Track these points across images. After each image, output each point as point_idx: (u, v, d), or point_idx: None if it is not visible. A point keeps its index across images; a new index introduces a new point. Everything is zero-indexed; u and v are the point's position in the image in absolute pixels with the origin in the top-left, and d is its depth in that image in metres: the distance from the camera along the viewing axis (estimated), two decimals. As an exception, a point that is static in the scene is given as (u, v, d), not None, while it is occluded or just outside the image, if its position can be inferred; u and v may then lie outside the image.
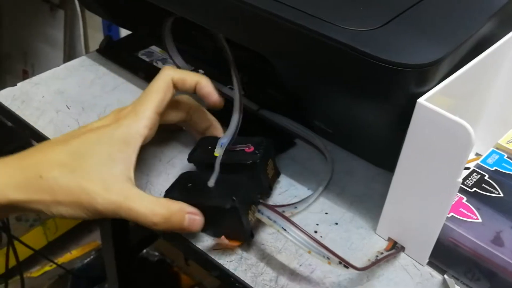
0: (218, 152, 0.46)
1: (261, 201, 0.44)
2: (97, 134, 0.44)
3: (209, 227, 0.46)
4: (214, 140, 0.48)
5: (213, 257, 0.46)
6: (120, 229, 0.81)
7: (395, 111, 0.43)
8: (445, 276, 0.45)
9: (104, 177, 0.41)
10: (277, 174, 0.52)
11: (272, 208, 0.43)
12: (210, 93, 0.49)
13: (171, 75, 0.46)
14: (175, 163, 0.54)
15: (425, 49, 0.41)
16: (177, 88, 0.47)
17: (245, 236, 0.46)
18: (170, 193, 0.46)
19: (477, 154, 0.55)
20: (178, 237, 0.47)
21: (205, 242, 0.47)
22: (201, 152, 0.49)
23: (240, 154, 0.48)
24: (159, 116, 0.46)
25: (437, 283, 0.45)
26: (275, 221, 0.43)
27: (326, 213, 0.51)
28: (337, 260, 0.41)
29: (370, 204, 0.51)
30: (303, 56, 0.44)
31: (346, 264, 0.41)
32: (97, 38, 1.28)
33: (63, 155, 0.42)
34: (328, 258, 0.41)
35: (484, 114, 0.54)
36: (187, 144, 0.56)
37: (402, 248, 0.47)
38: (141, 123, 0.44)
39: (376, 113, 0.44)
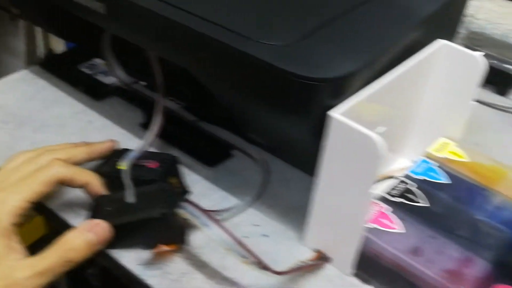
0: (123, 165, 0.46)
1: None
2: None
3: (141, 241, 0.46)
4: (124, 153, 0.48)
5: (135, 272, 0.45)
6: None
7: (313, 123, 0.42)
8: (369, 287, 0.45)
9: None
10: (184, 193, 0.52)
11: (195, 204, 0.43)
12: (99, 193, 0.47)
13: (60, 173, 0.45)
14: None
15: (338, 63, 0.40)
16: (63, 184, 0.46)
17: (179, 239, 0.46)
18: None
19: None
20: (103, 254, 0.46)
21: (127, 257, 0.46)
22: (109, 165, 0.50)
23: (142, 169, 0.48)
24: (32, 204, 0.43)
25: (361, 294, 0.45)
26: (197, 217, 0.42)
27: (257, 225, 0.50)
28: (254, 260, 0.41)
29: (303, 215, 0.51)
30: (218, 69, 0.44)
31: (264, 266, 0.41)
32: (59, 48, 1.27)
33: None
34: (246, 258, 0.41)
35: (416, 123, 0.54)
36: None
37: (328, 259, 0.47)
38: (9, 214, 0.42)
39: (295, 125, 0.44)
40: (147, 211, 0.44)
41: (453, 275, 0.41)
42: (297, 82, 0.39)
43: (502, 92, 0.73)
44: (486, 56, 0.73)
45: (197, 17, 0.44)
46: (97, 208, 0.46)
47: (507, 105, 0.70)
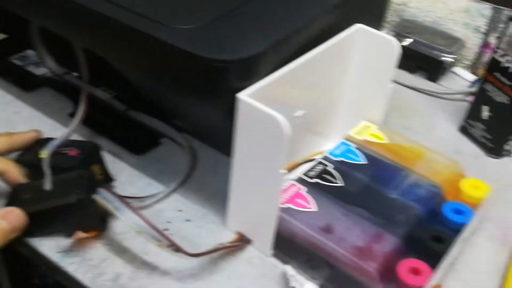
0: (44, 153, 0.46)
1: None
2: None
3: (59, 228, 0.47)
4: (47, 142, 0.48)
5: (54, 259, 0.45)
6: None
7: (224, 105, 0.43)
8: (285, 266, 0.46)
9: None
10: (108, 180, 0.52)
11: (109, 190, 0.44)
12: (17, 181, 0.47)
13: None
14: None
15: (245, 45, 0.41)
16: None
17: (98, 226, 0.47)
18: None
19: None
20: (22, 243, 0.46)
21: (47, 245, 0.46)
22: (30, 154, 0.49)
23: (62, 157, 0.48)
24: None
25: (280, 274, 0.46)
26: (110, 202, 0.43)
27: (180, 211, 0.51)
28: (167, 242, 0.41)
29: (227, 200, 0.52)
30: (130, 54, 0.44)
31: (177, 249, 0.42)
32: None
33: None
34: (159, 241, 0.41)
35: (339, 107, 0.55)
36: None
37: (248, 241, 0.48)
38: None
39: (208, 107, 0.45)
40: (63, 197, 0.44)
41: (363, 251, 0.42)
42: (206, 65, 0.40)
43: (433, 78, 0.75)
44: (418, 43, 0.76)
45: (108, 2, 0.44)
46: (13, 196, 0.46)
47: (437, 90, 0.72)
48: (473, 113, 0.63)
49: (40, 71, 0.66)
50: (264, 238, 0.46)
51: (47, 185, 0.45)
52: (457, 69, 0.77)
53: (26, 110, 0.61)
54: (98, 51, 0.46)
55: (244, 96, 0.40)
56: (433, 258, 0.43)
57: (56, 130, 0.58)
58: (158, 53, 0.42)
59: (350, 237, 0.43)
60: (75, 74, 0.65)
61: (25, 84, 0.64)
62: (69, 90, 0.64)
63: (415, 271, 0.41)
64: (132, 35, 0.42)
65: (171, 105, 0.50)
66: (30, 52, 0.69)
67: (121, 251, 0.46)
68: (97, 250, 0.46)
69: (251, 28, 0.43)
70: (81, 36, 0.48)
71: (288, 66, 0.44)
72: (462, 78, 0.76)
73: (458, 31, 0.77)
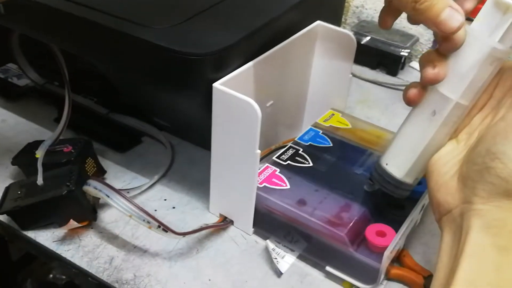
0: (39, 153, 0.50)
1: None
2: None
3: (52, 220, 0.50)
4: (39, 144, 0.52)
5: (51, 248, 0.49)
6: None
7: (202, 96, 0.47)
8: (267, 241, 0.50)
9: None
10: (101, 172, 0.56)
11: (98, 179, 0.48)
12: None
13: None
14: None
15: (216, 40, 0.46)
16: None
17: (89, 215, 0.50)
18: (1, 208, 0.49)
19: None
20: (19, 237, 0.50)
21: (43, 236, 0.50)
22: (25, 155, 0.53)
23: (58, 154, 0.52)
24: None
25: (261, 249, 0.50)
26: (100, 190, 0.46)
27: (165, 200, 0.55)
28: (156, 224, 0.45)
29: (208, 188, 0.56)
30: (117, 56, 0.48)
31: (165, 228, 0.46)
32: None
33: None
34: (149, 223, 0.45)
35: (307, 99, 0.60)
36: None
37: (231, 222, 0.52)
38: None
39: (187, 100, 0.49)
40: (53, 190, 0.48)
41: (334, 220, 0.47)
42: (184, 58, 0.44)
43: (392, 72, 0.81)
44: (376, 40, 0.81)
45: (90, 8, 0.48)
46: (7, 193, 0.49)
47: (395, 83, 0.78)
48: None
49: (22, 82, 0.70)
50: (245, 216, 0.50)
51: (40, 180, 0.49)
52: (414, 64, 0.83)
53: (12, 118, 0.64)
54: (87, 56, 0.51)
55: (219, 85, 0.44)
56: (396, 222, 0.47)
57: (44, 134, 0.61)
58: (139, 52, 0.46)
59: (321, 208, 0.48)
60: (55, 83, 0.69)
61: (9, 94, 0.67)
62: (50, 98, 0.67)
63: (381, 234, 0.46)
64: (118, 38, 0.46)
65: (152, 102, 0.54)
66: (10, 65, 0.73)
67: (112, 237, 0.50)
68: (90, 238, 0.50)
69: (222, 26, 0.48)
70: (71, 42, 0.51)
71: (255, 59, 0.49)
72: (418, 72, 0.82)
73: (411, 28, 0.83)
